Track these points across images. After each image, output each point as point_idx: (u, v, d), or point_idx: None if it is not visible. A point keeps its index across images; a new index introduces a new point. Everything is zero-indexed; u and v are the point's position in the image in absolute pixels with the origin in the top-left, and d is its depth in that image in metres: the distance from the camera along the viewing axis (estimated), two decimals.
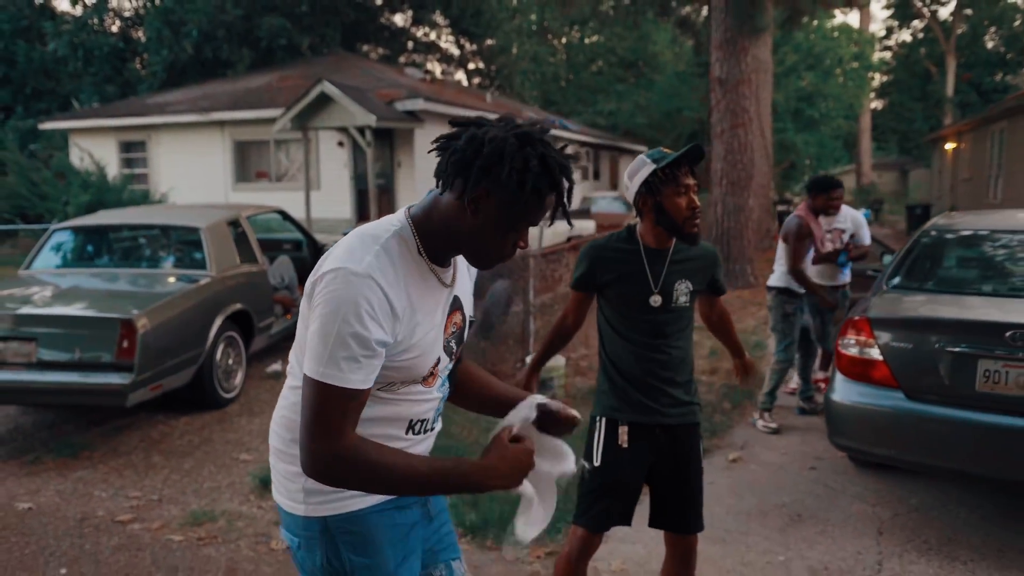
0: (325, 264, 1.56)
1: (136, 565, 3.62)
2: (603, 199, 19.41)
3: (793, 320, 5.51)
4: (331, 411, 1.49)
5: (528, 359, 6.10)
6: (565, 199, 1.57)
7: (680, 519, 2.68)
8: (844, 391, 4.01)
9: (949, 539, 3.83)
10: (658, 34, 32.87)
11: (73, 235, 6.49)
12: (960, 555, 3.68)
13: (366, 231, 1.61)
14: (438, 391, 1.74)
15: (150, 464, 4.89)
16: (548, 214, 1.60)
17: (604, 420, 2.67)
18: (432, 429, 1.77)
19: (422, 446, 1.74)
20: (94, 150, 17.17)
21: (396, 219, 1.65)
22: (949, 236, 4.72)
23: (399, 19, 32.89)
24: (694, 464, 2.68)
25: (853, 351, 3.99)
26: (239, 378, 6.09)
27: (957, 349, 3.65)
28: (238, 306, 5.90)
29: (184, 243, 6.32)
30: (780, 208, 19.53)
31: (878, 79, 46.57)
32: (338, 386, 1.49)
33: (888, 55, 48.53)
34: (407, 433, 1.69)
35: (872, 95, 43.64)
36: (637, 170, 2.54)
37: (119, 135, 18.19)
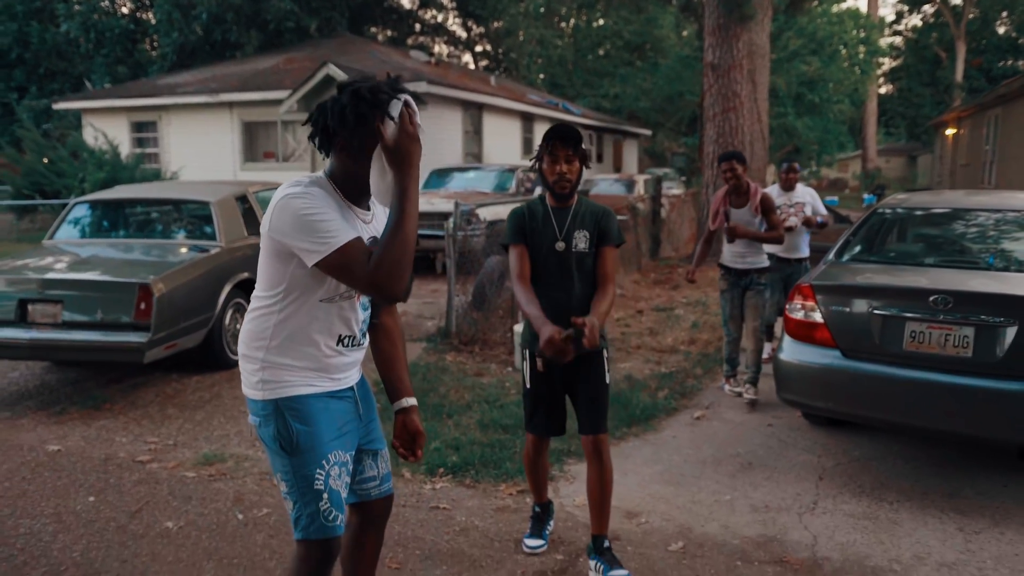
0: (271, 205, 2.13)
1: (155, 495, 4.10)
2: (604, 181, 19.67)
3: (728, 295, 5.70)
4: (357, 262, 2.04)
5: (517, 328, 6.54)
6: (406, 109, 2.08)
7: (587, 422, 3.29)
8: (790, 351, 4.45)
9: (882, 484, 4.27)
10: (664, 17, 33.06)
11: (92, 208, 6.95)
12: (888, 497, 4.11)
13: (291, 180, 2.18)
14: (363, 311, 2.32)
15: (165, 415, 5.37)
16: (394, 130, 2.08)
17: (527, 352, 3.38)
18: (360, 345, 2.34)
19: (352, 357, 2.33)
20: (107, 130, 17.64)
21: (312, 174, 2.22)
22: (897, 213, 5.13)
23: (406, 1, 33.14)
24: (596, 380, 3.30)
25: (799, 315, 4.42)
26: None
27: (887, 312, 4.08)
28: (245, 275, 6.34)
29: (195, 216, 6.77)
30: None
31: (887, 64, 46.59)
32: (340, 246, 2.03)
33: (897, 40, 48.52)
34: (337, 345, 2.26)
35: (879, 80, 43.69)
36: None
37: (131, 115, 18.65)
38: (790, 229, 6.20)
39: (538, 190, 11.30)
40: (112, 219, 6.93)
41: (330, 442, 2.24)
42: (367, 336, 2.39)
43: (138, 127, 18.78)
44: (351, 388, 2.37)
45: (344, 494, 2.29)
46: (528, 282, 3.26)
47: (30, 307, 5.45)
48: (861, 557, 3.47)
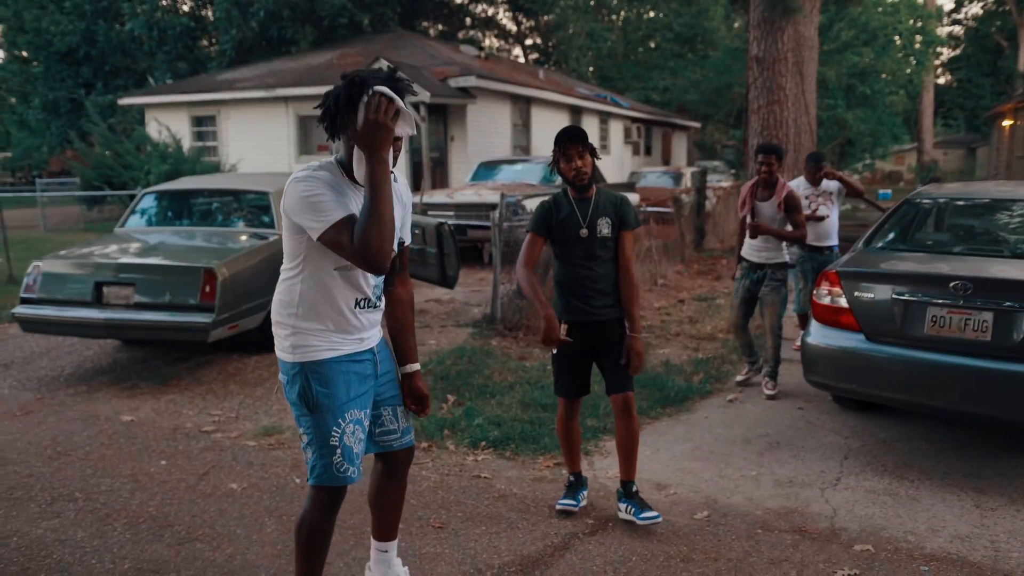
0: (284, 188, 2.44)
1: (220, 460, 4.47)
2: (652, 174, 19.69)
3: (738, 283, 5.84)
4: (345, 238, 2.33)
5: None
6: (381, 98, 2.33)
7: (616, 383, 3.68)
8: (817, 335, 4.64)
9: (905, 464, 4.44)
10: (715, 9, 32.87)
11: (159, 199, 7.40)
12: (909, 475, 4.28)
13: (304, 166, 2.48)
14: (374, 279, 2.61)
15: (227, 391, 5.76)
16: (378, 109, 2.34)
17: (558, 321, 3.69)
18: (376, 306, 2.65)
19: (370, 317, 2.63)
20: (168, 124, 18.33)
21: (323, 160, 2.51)
22: (926, 203, 5.26)
23: None
24: (619, 345, 3.67)
25: (825, 300, 4.61)
26: None
27: (909, 298, 4.25)
28: None
29: (255, 206, 7.17)
30: None
31: (945, 54, 45.55)
32: (330, 224, 2.33)
33: (957, 29, 47.42)
34: (355, 307, 2.56)
35: (937, 71, 42.75)
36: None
37: (191, 110, 19.34)
38: (820, 219, 6.38)
39: None
40: (178, 208, 7.37)
41: (346, 403, 2.55)
42: (382, 299, 2.70)
43: (198, 121, 19.46)
44: (371, 350, 2.66)
45: (358, 449, 2.61)
46: (532, 269, 3.67)
47: (105, 289, 5.88)
48: (878, 528, 3.67)
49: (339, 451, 2.55)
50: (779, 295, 5.66)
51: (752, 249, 5.74)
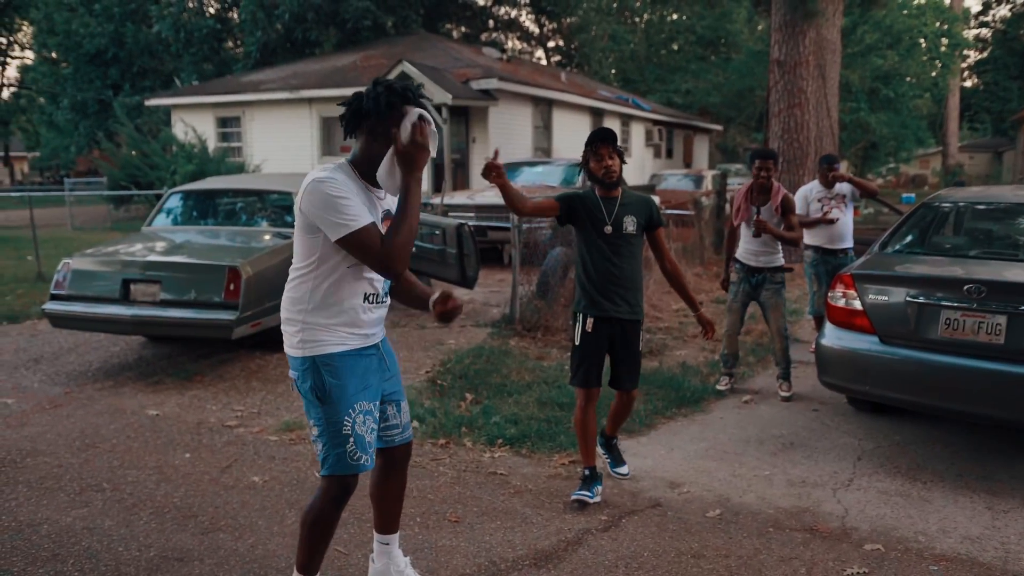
0: (302, 187, 2.53)
1: (242, 454, 4.58)
2: (672, 176, 19.58)
3: (735, 288, 5.86)
4: (371, 243, 2.48)
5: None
6: (423, 110, 2.55)
7: (627, 379, 4.05)
8: (831, 336, 4.68)
9: (918, 466, 4.46)
10: (738, 12, 32.77)
11: (186, 198, 7.55)
12: (923, 477, 4.31)
13: (319, 167, 2.59)
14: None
15: (250, 387, 5.88)
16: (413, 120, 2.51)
17: (581, 315, 3.96)
18: (383, 301, 2.77)
19: (377, 313, 2.75)
20: (194, 124, 18.58)
21: (338, 161, 2.63)
22: (944, 207, 5.28)
23: None
24: (633, 346, 4.02)
25: (840, 303, 4.65)
26: None
27: (923, 300, 4.28)
28: None
29: (278, 206, 7.29)
30: None
31: (972, 56, 45.07)
32: (358, 229, 2.46)
33: (984, 31, 46.89)
34: (364, 301, 2.67)
35: (963, 74, 42.32)
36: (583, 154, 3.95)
37: (216, 111, 19.59)
38: (831, 222, 6.41)
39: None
40: (203, 208, 7.51)
41: (356, 393, 2.65)
42: (388, 296, 2.81)
43: (223, 122, 19.71)
44: (376, 346, 2.77)
45: (370, 439, 2.71)
46: (529, 204, 3.85)
47: (132, 287, 6.02)
48: (888, 528, 3.70)
49: (352, 440, 2.64)
50: (781, 297, 5.74)
51: (749, 253, 5.77)
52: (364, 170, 2.61)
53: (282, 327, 2.70)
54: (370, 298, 2.70)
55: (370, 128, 2.56)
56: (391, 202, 2.71)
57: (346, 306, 2.63)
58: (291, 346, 2.67)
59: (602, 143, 3.83)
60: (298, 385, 2.69)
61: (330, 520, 2.75)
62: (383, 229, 2.60)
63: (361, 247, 2.48)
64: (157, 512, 3.83)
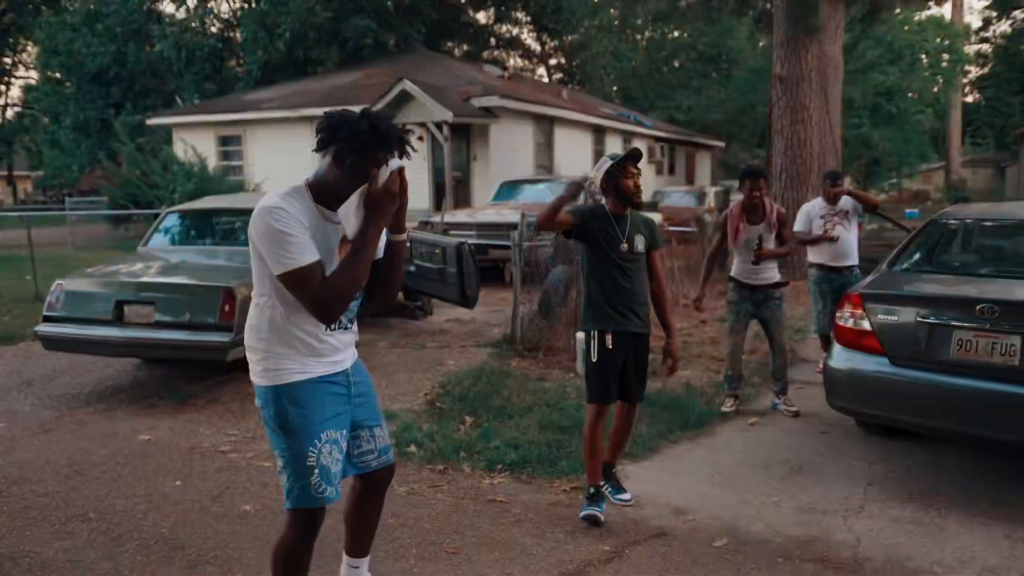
0: (254, 214, 2.41)
1: (235, 481, 4.45)
2: (675, 193, 19.41)
3: (735, 308, 5.76)
4: (309, 283, 2.36)
5: (579, 335, 6.73)
6: (398, 152, 2.44)
7: (631, 390, 4.06)
8: (839, 358, 4.54)
9: (931, 491, 4.32)
10: (739, 29, 32.82)
11: (182, 218, 7.45)
12: (937, 503, 4.16)
13: (274, 191, 2.50)
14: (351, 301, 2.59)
15: (245, 411, 5.76)
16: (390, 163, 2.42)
17: (596, 331, 3.95)
18: (347, 329, 2.64)
19: (342, 339, 2.63)
20: (195, 143, 18.56)
21: (295, 184, 2.52)
22: (952, 224, 5.16)
23: (481, 16, 33.72)
24: (644, 358, 4.08)
25: (848, 323, 4.52)
26: None
27: (934, 321, 4.15)
28: None
29: None
30: None
31: (973, 72, 45.13)
32: (296, 268, 2.34)
33: (985, 47, 46.97)
34: (326, 331, 2.55)
35: (965, 89, 42.36)
36: (602, 165, 4.00)
37: (217, 130, 19.58)
38: (833, 239, 6.29)
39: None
40: (200, 228, 7.41)
41: (322, 423, 2.54)
42: (354, 323, 2.69)
43: (224, 141, 19.69)
44: (344, 372, 2.65)
45: (336, 469, 2.60)
46: (554, 218, 3.83)
47: (126, 308, 5.91)
48: (903, 559, 3.56)
49: (316, 471, 2.53)
50: (783, 312, 5.75)
51: (748, 272, 5.67)
52: (320, 192, 2.49)
53: (247, 355, 2.60)
54: (332, 326, 2.57)
55: (340, 155, 2.42)
56: (347, 226, 2.57)
57: (307, 334, 2.52)
58: (255, 374, 2.57)
59: (632, 162, 3.94)
60: (263, 414, 2.59)
61: (299, 554, 2.65)
62: (340, 255, 2.50)
63: (299, 286, 2.37)
64: (143, 544, 3.70)
